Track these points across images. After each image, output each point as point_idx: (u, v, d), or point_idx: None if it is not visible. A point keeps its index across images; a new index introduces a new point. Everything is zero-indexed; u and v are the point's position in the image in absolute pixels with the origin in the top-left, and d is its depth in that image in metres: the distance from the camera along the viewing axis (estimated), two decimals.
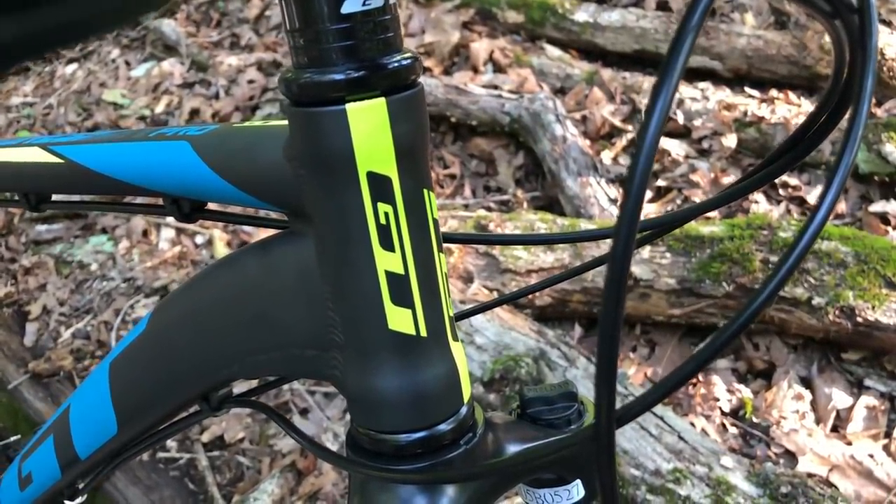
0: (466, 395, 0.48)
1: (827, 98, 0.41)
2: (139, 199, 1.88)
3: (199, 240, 2.48)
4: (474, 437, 0.48)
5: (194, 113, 2.94)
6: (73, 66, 3.60)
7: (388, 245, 0.42)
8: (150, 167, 0.53)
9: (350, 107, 0.40)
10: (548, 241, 1.50)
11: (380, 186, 0.41)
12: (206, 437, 1.91)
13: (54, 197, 0.73)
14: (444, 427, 0.47)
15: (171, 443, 1.92)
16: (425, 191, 0.43)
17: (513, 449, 0.51)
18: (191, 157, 0.50)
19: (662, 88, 0.27)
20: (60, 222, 2.72)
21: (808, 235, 0.30)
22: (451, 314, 0.47)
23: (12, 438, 1.31)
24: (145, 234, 2.57)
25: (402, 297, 0.43)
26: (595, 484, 0.57)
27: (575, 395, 0.56)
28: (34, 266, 2.55)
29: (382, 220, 0.42)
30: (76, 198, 0.69)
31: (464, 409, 0.48)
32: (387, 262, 0.43)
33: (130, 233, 2.58)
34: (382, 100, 0.40)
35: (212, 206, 0.57)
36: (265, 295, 0.50)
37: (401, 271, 0.43)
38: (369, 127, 0.40)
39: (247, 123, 0.51)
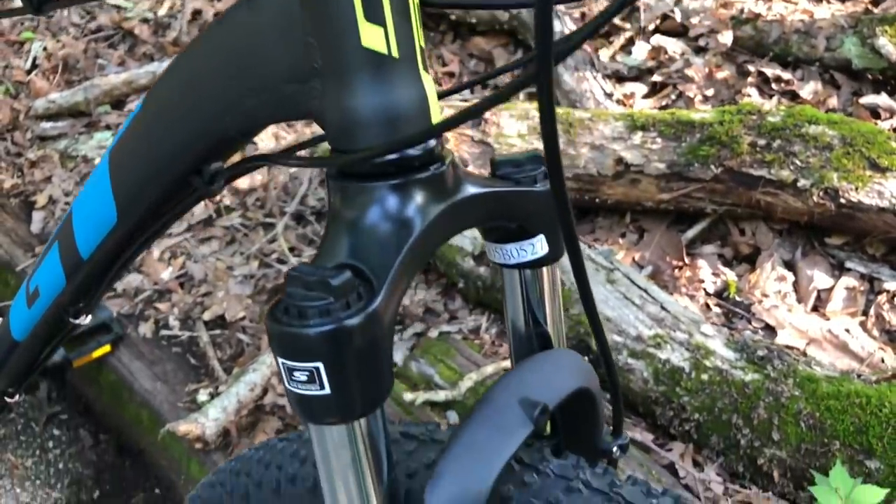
0: None
1: None
2: None
3: None
4: (442, 166, 0.53)
5: (197, 14, 2.95)
6: None
7: None
8: None
9: None
10: None
11: None
12: (207, 316, 1.97)
13: None
14: (413, 152, 0.51)
15: (173, 321, 1.98)
16: None
17: (473, 189, 0.55)
18: None
19: None
20: (65, 120, 2.75)
21: None
22: (423, 45, 0.51)
23: None
24: None
25: (374, 14, 0.47)
26: (559, 243, 0.62)
27: (541, 158, 0.60)
28: (39, 160, 2.59)
29: None
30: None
31: (432, 141, 0.52)
32: None
33: None
34: None
35: None
36: (249, 37, 0.54)
37: None
38: None
39: None
